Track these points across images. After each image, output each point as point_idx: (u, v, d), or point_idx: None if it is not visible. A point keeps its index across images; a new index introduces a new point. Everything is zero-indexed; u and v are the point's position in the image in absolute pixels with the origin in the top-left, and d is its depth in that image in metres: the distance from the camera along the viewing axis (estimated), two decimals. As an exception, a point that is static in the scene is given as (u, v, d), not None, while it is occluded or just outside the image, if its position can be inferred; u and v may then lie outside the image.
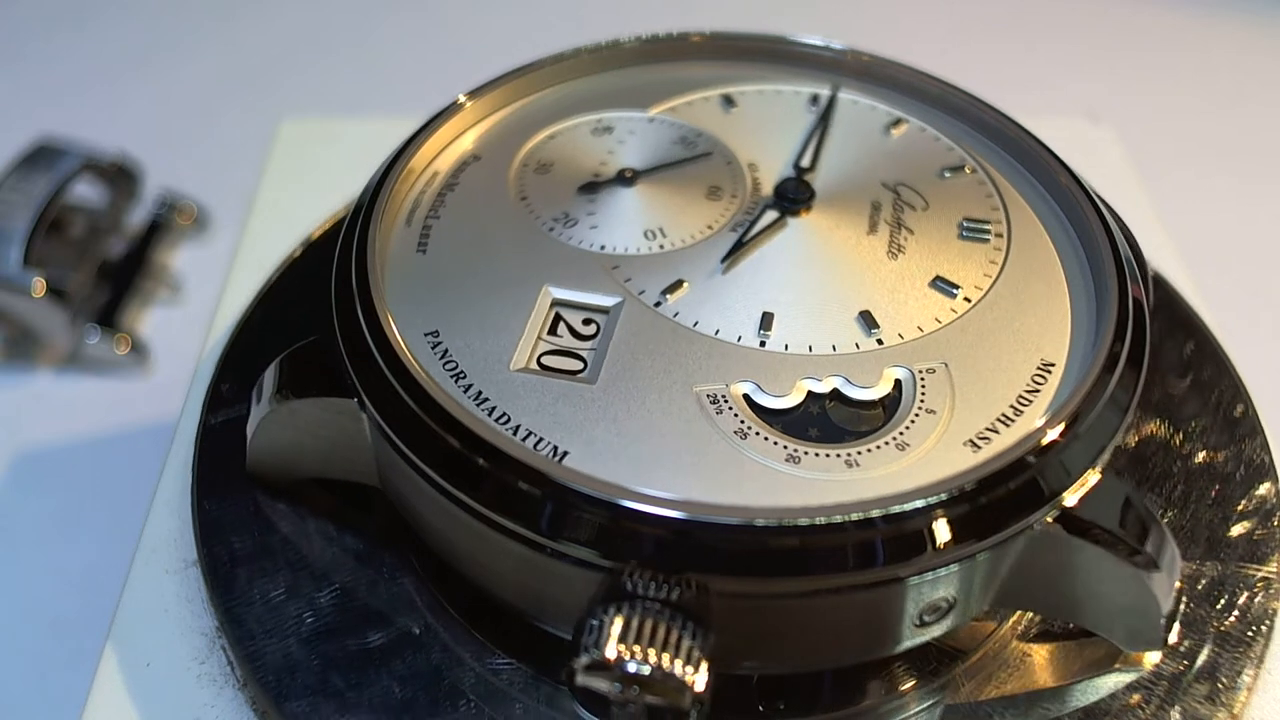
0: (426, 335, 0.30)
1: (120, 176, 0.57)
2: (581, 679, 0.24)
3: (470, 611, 0.30)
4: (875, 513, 0.25)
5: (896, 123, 0.37)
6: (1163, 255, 0.42)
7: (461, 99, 0.37)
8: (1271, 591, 0.31)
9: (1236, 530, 0.32)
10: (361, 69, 0.73)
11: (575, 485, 0.25)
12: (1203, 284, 0.41)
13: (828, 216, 0.34)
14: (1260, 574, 0.31)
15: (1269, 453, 0.34)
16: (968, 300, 0.31)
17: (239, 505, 0.32)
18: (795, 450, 0.27)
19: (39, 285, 0.50)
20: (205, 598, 0.31)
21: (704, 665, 0.24)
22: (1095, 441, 0.27)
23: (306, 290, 0.38)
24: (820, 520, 0.25)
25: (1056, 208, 0.34)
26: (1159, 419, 0.35)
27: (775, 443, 0.28)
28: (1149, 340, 0.29)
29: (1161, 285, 0.39)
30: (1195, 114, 0.70)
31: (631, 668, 0.24)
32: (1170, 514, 0.33)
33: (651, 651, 0.24)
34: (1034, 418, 0.28)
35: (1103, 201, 0.33)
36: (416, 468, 0.27)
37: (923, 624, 0.27)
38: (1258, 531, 0.32)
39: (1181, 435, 0.35)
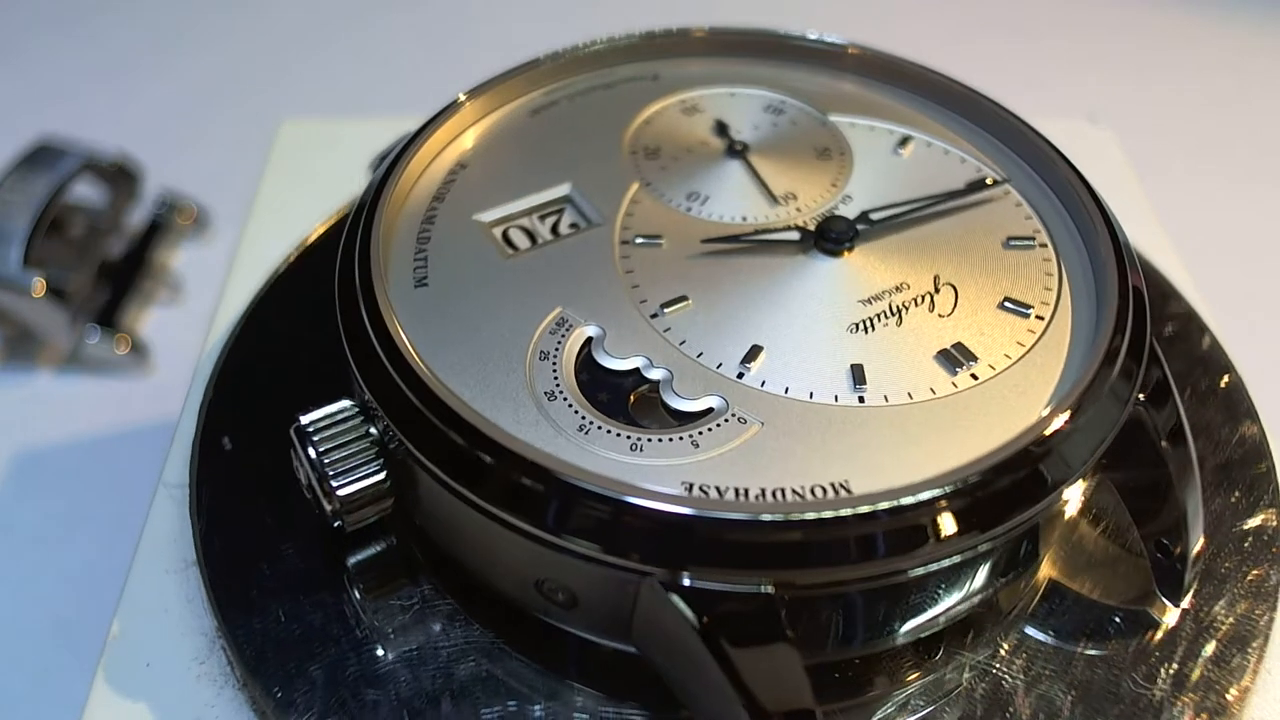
0: (456, 161, 0.35)
1: (120, 176, 0.57)
2: (292, 430, 0.28)
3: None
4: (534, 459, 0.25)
5: (1026, 240, 0.33)
6: (1162, 255, 0.42)
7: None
8: (1271, 587, 0.31)
9: (1235, 525, 0.32)
10: (361, 69, 0.73)
11: (388, 329, 0.28)
12: (1202, 283, 0.41)
13: (849, 269, 0.32)
14: (1259, 571, 0.31)
15: (1270, 454, 0.34)
16: (861, 400, 0.28)
17: (240, 505, 0.32)
18: (556, 393, 0.28)
19: (39, 285, 0.50)
20: (205, 598, 0.31)
21: (362, 489, 0.28)
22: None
23: (306, 290, 0.38)
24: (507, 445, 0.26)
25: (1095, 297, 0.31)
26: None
27: (555, 378, 0.29)
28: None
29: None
30: (1195, 114, 0.70)
31: (308, 448, 0.28)
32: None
33: (333, 451, 0.28)
34: (772, 504, 0.25)
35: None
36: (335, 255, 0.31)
37: (545, 597, 0.27)
38: (1258, 530, 0.32)
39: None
